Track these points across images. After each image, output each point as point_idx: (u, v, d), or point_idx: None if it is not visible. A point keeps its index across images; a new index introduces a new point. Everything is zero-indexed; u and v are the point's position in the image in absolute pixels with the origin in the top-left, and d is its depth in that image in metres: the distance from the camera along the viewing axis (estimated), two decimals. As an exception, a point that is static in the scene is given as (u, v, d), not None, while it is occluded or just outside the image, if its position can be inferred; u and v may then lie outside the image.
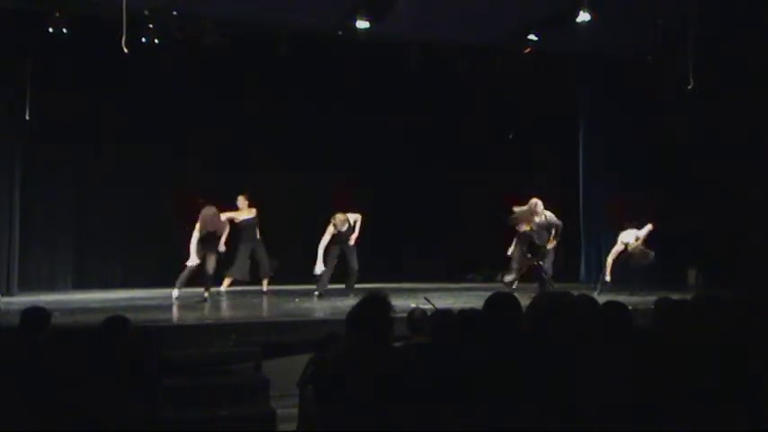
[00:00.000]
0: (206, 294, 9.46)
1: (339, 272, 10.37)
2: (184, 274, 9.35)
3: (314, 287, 10.12)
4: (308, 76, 12.08)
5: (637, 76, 12.47)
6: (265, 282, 10.63)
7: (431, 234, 13.44)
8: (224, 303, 9.50)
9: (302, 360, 5.06)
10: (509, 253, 10.92)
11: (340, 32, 10.97)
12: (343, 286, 10.30)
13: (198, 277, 9.54)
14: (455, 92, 12.92)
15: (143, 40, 10.28)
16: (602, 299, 3.88)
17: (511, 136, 14.04)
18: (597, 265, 12.71)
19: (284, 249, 11.02)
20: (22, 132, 10.59)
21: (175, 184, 11.57)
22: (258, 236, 10.46)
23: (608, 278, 10.31)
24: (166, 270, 10.88)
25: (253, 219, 10.41)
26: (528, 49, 11.87)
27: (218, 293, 9.91)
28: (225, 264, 10.13)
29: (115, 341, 4.10)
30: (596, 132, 13.23)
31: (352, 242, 10.17)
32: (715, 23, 10.48)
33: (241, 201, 10.39)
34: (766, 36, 10.26)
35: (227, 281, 10.30)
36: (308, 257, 10.88)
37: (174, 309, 8.77)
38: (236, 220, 10.25)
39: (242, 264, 10.25)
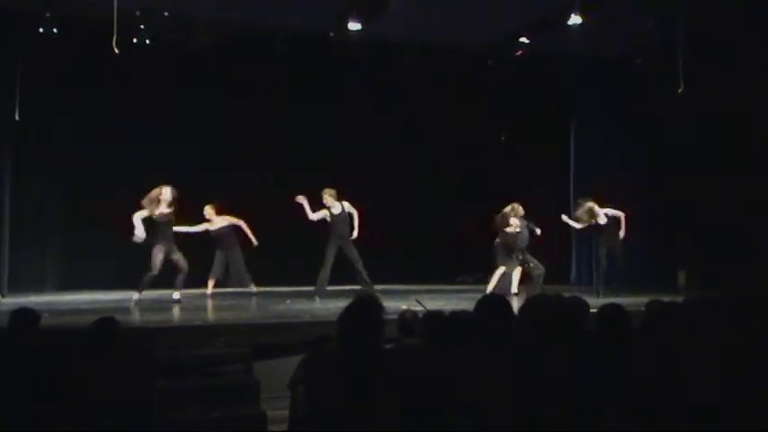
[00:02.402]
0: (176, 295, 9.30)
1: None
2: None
3: (305, 289, 10.08)
4: (302, 76, 12.07)
5: (628, 78, 12.53)
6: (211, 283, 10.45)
7: (423, 236, 13.44)
8: (214, 305, 9.46)
9: (293, 361, 5.06)
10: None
11: (332, 34, 10.98)
12: (333, 288, 10.28)
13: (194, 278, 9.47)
14: (450, 93, 12.92)
15: (134, 40, 10.26)
16: (600, 301, 3.89)
17: (503, 138, 14.08)
18: (588, 268, 12.76)
19: (276, 250, 11.00)
20: (11, 132, 10.54)
21: (167, 184, 11.52)
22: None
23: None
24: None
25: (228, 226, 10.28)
26: (519, 52, 11.91)
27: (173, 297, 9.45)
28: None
29: (106, 342, 4.08)
30: (588, 134, 13.29)
31: (352, 237, 9.97)
32: (706, 25, 10.54)
33: (208, 210, 10.23)
34: (756, 36, 10.32)
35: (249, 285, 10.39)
36: (302, 258, 10.87)
37: (165, 310, 8.73)
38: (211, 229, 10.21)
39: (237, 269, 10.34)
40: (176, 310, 8.69)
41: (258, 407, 5.99)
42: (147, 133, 11.70)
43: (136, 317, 7.73)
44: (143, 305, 8.93)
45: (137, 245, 9.44)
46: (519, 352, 3.10)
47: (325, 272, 9.84)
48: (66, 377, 3.89)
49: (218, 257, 10.34)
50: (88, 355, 4.05)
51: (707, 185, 11.23)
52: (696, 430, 2.96)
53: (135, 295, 9.04)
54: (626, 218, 10.27)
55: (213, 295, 10.15)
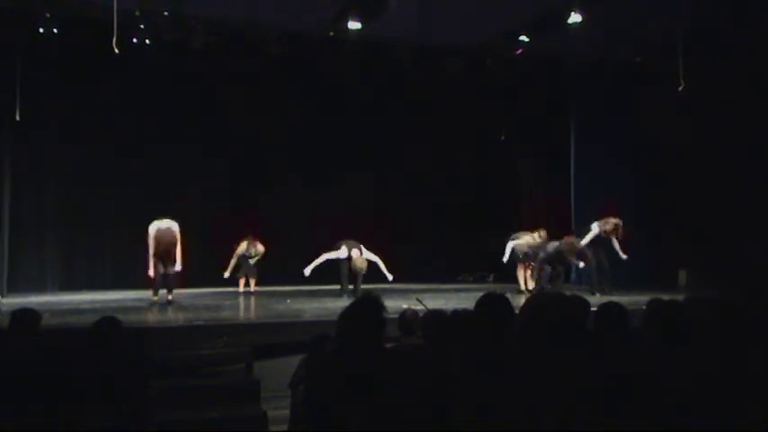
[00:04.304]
0: (169, 297, 9.35)
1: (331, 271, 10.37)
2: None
3: (304, 289, 10.11)
4: (299, 77, 12.07)
5: (628, 78, 12.53)
6: (252, 282, 10.74)
7: (423, 236, 13.44)
8: (215, 304, 9.46)
9: (293, 361, 5.05)
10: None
11: (331, 33, 10.97)
12: (332, 287, 10.29)
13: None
14: (450, 93, 12.92)
15: (134, 40, 10.26)
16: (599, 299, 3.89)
17: (503, 137, 14.09)
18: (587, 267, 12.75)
19: (275, 250, 11.01)
20: (11, 133, 10.54)
21: (165, 185, 11.54)
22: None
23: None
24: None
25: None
26: (519, 51, 11.90)
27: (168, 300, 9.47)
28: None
29: (106, 342, 4.08)
30: (588, 134, 13.27)
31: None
32: (706, 25, 10.54)
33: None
34: (756, 36, 10.32)
35: (241, 282, 10.79)
36: (298, 259, 10.85)
37: (165, 310, 8.73)
38: None
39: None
40: (176, 311, 8.69)
41: (258, 407, 5.99)
42: (146, 133, 11.72)
43: (136, 317, 7.71)
44: (156, 305, 9.05)
45: (136, 245, 9.49)
46: (519, 351, 3.09)
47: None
48: (67, 377, 3.89)
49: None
50: (89, 355, 4.05)
51: (707, 185, 11.22)
52: (696, 430, 2.95)
53: (153, 297, 9.23)
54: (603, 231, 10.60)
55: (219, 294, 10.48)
